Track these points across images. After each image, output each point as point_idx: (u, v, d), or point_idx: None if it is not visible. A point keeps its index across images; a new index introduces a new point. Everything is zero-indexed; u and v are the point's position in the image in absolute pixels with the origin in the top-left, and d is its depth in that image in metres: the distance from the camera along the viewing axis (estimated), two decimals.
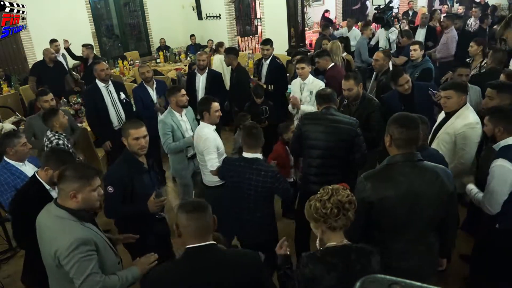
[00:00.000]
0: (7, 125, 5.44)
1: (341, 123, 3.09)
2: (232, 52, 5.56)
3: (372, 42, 7.68)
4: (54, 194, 2.58)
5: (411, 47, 5.06)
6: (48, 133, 3.89)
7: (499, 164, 2.48)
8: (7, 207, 3.07)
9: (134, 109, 5.82)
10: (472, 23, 8.60)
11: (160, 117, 3.98)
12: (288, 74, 6.12)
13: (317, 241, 1.85)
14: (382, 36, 7.49)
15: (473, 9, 9.10)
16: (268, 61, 5.55)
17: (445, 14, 10.34)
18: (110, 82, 4.75)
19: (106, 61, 8.50)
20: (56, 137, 3.86)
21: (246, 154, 2.85)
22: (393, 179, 2.06)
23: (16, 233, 2.66)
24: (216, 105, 3.40)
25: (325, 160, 3.12)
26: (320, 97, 3.26)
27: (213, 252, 1.76)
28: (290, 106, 4.70)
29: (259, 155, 2.85)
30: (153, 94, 4.99)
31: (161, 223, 3.01)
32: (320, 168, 3.14)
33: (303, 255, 1.80)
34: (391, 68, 5.85)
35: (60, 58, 7.18)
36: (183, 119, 3.96)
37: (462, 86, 3.17)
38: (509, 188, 2.48)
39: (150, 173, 2.89)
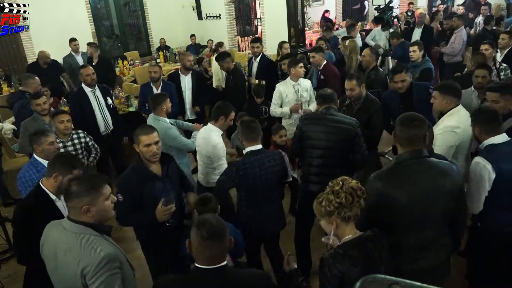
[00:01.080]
0: (7, 125, 5.43)
1: (341, 123, 3.10)
2: (226, 56, 5.50)
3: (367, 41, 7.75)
4: (59, 204, 2.48)
5: (411, 48, 5.06)
6: None
7: (476, 161, 2.55)
8: None
9: (134, 108, 5.87)
10: (481, 22, 8.40)
11: (163, 126, 3.68)
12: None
13: (328, 238, 1.86)
14: (382, 36, 7.51)
15: (482, 7, 8.92)
16: (258, 59, 5.66)
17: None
18: (96, 87, 4.70)
19: (114, 61, 8.55)
20: None
21: (253, 148, 2.86)
22: (403, 177, 2.08)
23: (19, 247, 2.50)
24: (233, 114, 3.40)
25: (325, 160, 3.13)
26: (321, 97, 3.26)
27: (219, 275, 1.68)
28: (286, 112, 4.62)
29: (261, 145, 2.92)
30: None
31: (177, 231, 2.79)
32: (321, 168, 3.15)
33: (325, 256, 1.82)
34: (391, 65, 5.89)
35: (79, 58, 7.15)
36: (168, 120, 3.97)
37: (448, 88, 3.10)
38: (487, 185, 2.51)
39: (164, 180, 2.74)
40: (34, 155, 3.19)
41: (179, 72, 5.29)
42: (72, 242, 1.84)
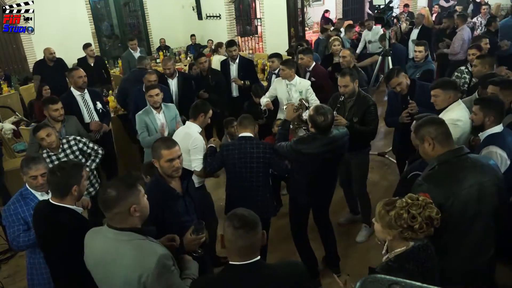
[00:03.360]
0: (7, 125, 5.45)
1: (336, 138, 3.05)
2: (202, 56, 5.50)
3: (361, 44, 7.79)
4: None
5: (416, 48, 5.03)
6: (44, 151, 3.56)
7: (490, 150, 2.57)
8: (12, 242, 2.71)
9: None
10: (482, 21, 8.20)
11: (138, 113, 4.09)
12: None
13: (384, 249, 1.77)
14: (376, 37, 7.50)
15: (483, 6, 8.68)
16: (237, 61, 5.63)
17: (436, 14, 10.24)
18: (86, 91, 4.54)
19: (114, 61, 8.47)
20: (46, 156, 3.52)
21: (243, 134, 3.18)
22: (454, 176, 2.00)
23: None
24: (211, 112, 3.48)
25: (317, 177, 3.12)
26: (316, 126, 2.98)
27: (255, 270, 1.65)
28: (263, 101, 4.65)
29: (252, 135, 3.20)
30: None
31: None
32: (311, 185, 3.15)
33: (377, 269, 1.71)
34: (391, 65, 5.87)
35: (137, 55, 6.84)
36: (160, 117, 4.03)
37: (449, 83, 3.17)
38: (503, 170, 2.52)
39: (185, 198, 2.48)
40: (26, 184, 2.81)
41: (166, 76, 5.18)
42: (122, 250, 1.77)
